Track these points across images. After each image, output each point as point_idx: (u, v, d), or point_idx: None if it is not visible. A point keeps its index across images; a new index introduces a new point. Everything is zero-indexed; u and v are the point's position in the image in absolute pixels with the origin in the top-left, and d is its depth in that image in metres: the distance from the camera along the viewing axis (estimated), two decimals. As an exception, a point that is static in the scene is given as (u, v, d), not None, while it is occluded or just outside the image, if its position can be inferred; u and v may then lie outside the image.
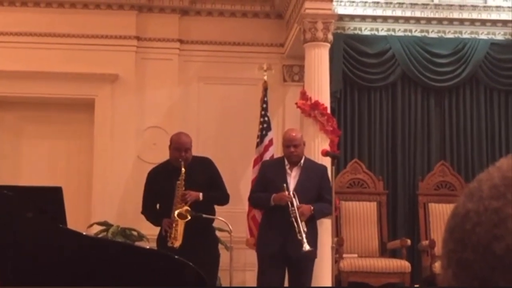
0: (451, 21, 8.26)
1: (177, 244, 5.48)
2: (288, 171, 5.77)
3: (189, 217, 5.51)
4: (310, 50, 7.24)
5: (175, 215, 5.54)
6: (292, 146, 5.77)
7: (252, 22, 8.37)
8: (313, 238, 5.71)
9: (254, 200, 6.03)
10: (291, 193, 5.57)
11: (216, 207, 5.94)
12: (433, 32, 8.29)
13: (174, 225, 5.55)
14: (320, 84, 7.15)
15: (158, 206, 5.91)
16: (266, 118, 7.56)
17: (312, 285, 5.99)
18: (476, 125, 8.23)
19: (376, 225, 7.69)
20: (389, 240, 7.64)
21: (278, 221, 5.63)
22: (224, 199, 5.91)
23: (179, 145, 5.82)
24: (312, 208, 5.59)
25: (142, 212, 5.99)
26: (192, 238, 5.49)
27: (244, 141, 7.92)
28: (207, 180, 5.81)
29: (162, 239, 5.67)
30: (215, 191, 5.83)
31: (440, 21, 8.26)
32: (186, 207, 5.55)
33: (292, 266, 5.71)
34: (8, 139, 8.14)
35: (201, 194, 5.67)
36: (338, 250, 6.98)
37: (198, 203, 5.63)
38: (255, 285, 6.04)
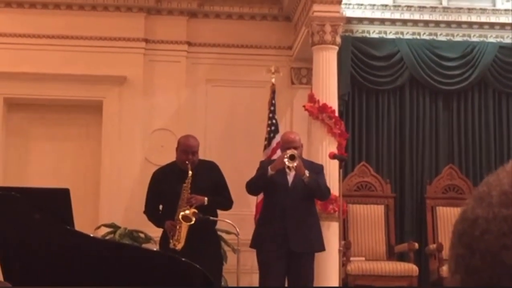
0: (459, 24, 8.24)
1: (179, 246, 5.46)
2: (287, 170, 5.74)
3: (194, 221, 5.49)
4: (318, 52, 7.23)
5: (180, 217, 5.52)
6: (292, 148, 5.78)
7: (260, 24, 8.37)
8: (317, 232, 5.87)
9: (251, 181, 5.92)
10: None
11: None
12: (442, 35, 8.28)
13: (177, 227, 5.54)
14: (328, 87, 7.14)
15: (161, 207, 5.90)
16: (274, 121, 7.56)
17: (315, 280, 6.01)
18: (484, 129, 8.20)
19: (383, 228, 7.68)
20: (397, 244, 7.62)
21: (277, 215, 5.71)
22: (227, 204, 5.89)
23: (187, 147, 5.80)
24: (308, 175, 5.70)
25: (144, 212, 5.96)
26: (195, 240, 5.47)
27: (251, 143, 7.91)
28: (212, 185, 5.79)
29: (165, 240, 5.66)
30: (219, 196, 5.82)
31: (448, 24, 8.24)
32: (194, 210, 5.53)
33: (293, 260, 5.72)
34: (16, 141, 8.15)
35: (206, 198, 5.66)
36: (345, 253, 6.98)
37: (202, 207, 5.62)
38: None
